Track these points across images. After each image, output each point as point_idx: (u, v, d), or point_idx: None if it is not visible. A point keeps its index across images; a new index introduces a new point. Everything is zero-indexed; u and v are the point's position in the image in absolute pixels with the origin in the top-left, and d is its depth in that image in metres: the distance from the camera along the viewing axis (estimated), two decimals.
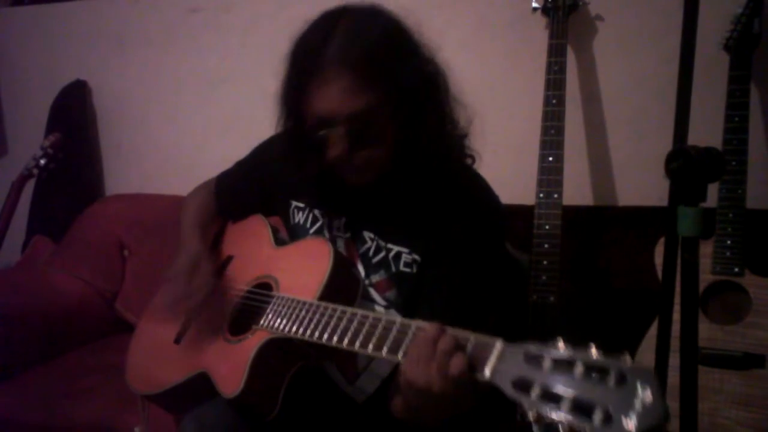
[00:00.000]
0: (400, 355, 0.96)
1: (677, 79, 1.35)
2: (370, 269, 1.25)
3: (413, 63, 1.12)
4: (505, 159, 1.90)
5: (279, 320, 1.15)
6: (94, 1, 2.61)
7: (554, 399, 0.74)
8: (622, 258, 1.85)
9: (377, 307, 1.24)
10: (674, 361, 1.26)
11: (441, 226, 1.18)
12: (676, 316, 1.23)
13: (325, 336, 1.06)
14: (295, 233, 1.35)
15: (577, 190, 1.96)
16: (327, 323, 1.07)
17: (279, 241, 1.37)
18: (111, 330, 2.33)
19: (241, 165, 1.50)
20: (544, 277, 1.68)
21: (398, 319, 1.00)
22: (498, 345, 0.85)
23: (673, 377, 1.27)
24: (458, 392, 0.88)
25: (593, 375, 0.74)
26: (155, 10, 2.52)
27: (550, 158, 1.73)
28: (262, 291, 1.25)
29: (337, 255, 1.19)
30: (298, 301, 1.14)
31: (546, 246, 1.69)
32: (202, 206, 1.50)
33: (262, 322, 1.18)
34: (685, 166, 1.08)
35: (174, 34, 2.51)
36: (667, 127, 1.40)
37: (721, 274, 1.61)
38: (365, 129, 1.10)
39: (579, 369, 0.75)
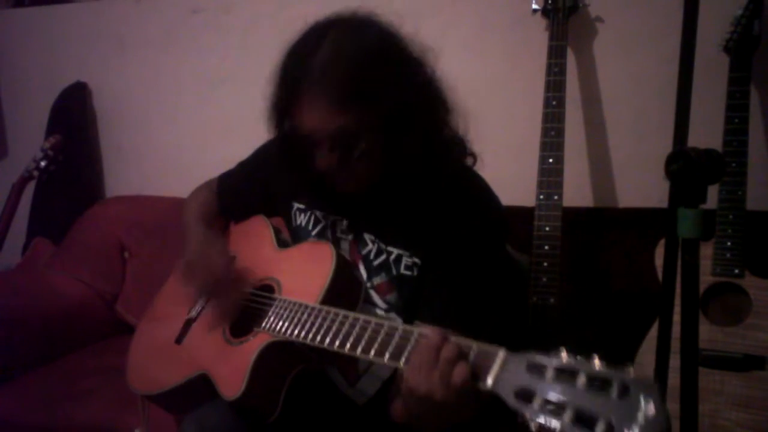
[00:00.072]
0: (402, 362, 0.95)
1: (677, 81, 1.35)
2: (371, 271, 1.25)
3: (401, 78, 1.09)
4: (505, 160, 1.90)
5: (281, 323, 1.15)
6: (94, 2, 2.61)
7: (556, 410, 0.74)
8: (622, 259, 1.85)
9: (378, 310, 1.24)
10: (674, 362, 1.25)
11: (441, 229, 1.18)
12: (677, 317, 1.23)
13: (327, 340, 1.06)
14: (298, 235, 1.35)
15: (577, 192, 1.96)
16: (329, 327, 1.07)
17: (281, 243, 1.37)
18: (111, 332, 2.33)
19: (243, 165, 1.50)
20: (544, 279, 1.68)
21: (401, 325, 1.00)
22: (501, 354, 0.85)
23: (674, 379, 1.27)
24: (460, 401, 0.87)
25: (596, 386, 0.74)
26: (155, 11, 2.52)
27: (550, 160, 1.73)
28: (265, 293, 1.25)
29: (340, 258, 1.19)
30: (300, 305, 1.14)
31: (546, 248, 1.69)
32: (204, 205, 1.50)
33: (263, 324, 1.18)
34: (685, 167, 1.08)
35: (174, 35, 2.51)
36: (667, 128, 1.40)
37: (721, 275, 1.61)
38: (350, 145, 1.11)
39: (582, 379, 0.75)
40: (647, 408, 0.69)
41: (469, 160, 1.27)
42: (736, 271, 1.60)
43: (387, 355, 0.97)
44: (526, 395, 0.78)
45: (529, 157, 1.79)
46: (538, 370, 0.79)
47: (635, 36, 1.92)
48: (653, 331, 1.61)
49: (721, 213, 1.62)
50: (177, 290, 1.49)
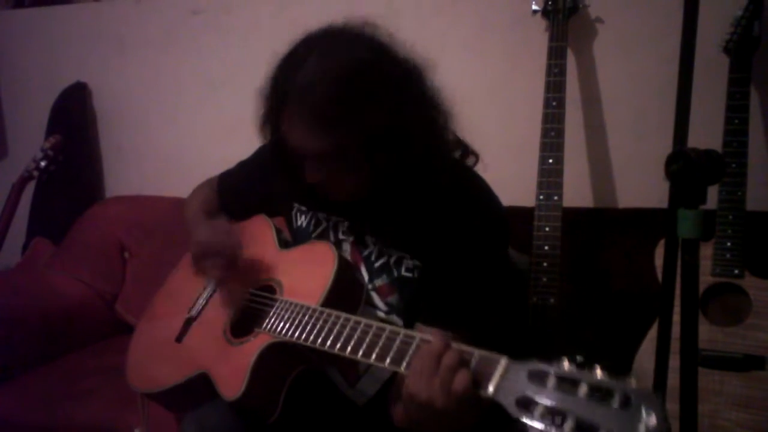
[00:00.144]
0: (403, 367, 0.95)
1: (677, 82, 1.35)
2: (373, 273, 1.25)
3: (386, 97, 1.07)
4: (505, 161, 1.90)
5: (282, 324, 1.15)
6: (94, 3, 2.61)
7: (557, 419, 0.74)
8: (622, 260, 1.85)
9: (379, 312, 1.24)
10: (674, 362, 1.26)
11: (442, 232, 1.17)
12: (676, 317, 1.23)
13: (328, 343, 1.06)
14: (298, 237, 1.35)
15: (577, 192, 1.96)
16: (330, 330, 1.07)
17: (283, 243, 1.37)
18: (111, 332, 2.33)
19: (243, 165, 1.50)
20: (544, 279, 1.68)
21: (402, 329, 1.00)
22: (502, 361, 0.85)
23: (673, 379, 1.27)
24: (461, 408, 0.87)
25: (597, 395, 0.74)
26: (156, 11, 2.52)
27: (550, 160, 1.73)
28: (266, 294, 1.25)
29: (342, 260, 1.19)
30: (302, 306, 1.14)
31: (546, 248, 1.70)
32: (205, 203, 1.51)
33: (264, 325, 1.18)
34: (685, 168, 1.08)
35: (174, 36, 2.51)
36: (667, 129, 1.40)
37: (721, 275, 1.62)
38: (334, 163, 1.11)
39: (583, 389, 0.75)
40: (648, 419, 0.69)
41: (470, 159, 1.26)
42: (736, 271, 1.60)
43: (388, 360, 0.97)
44: (527, 403, 0.78)
45: (529, 157, 1.79)
46: (539, 378, 0.79)
47: (635, 37, 1.92)
48: (653, 332, 1.61)
49: (720, 213, 1.62)
50: (177, 288, 1.50)
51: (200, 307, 1.38)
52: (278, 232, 1.40)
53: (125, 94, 2.63)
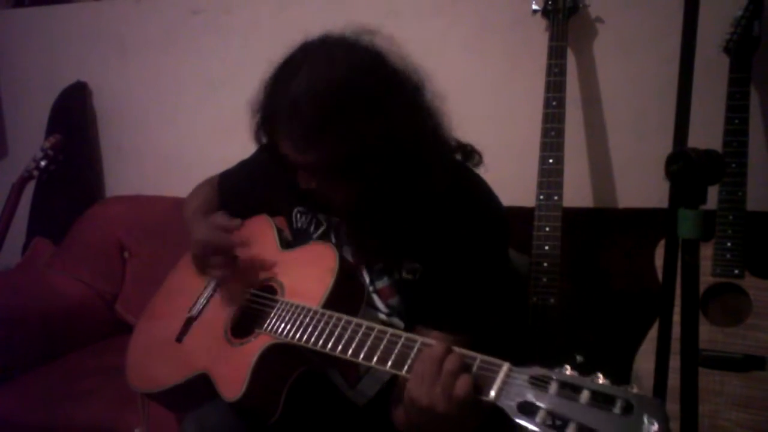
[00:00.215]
0: (404, 371, 0.95)
1: (677, 82, 1.35)
2: (374, 275, 1.25)
3: (376, 112, 1.05)
4: (505, 161, 1.90)
5: (282, 325, 1.15)
6: (94, 2, 2.61)
7: (559, 425, 0.74)
8: (622, 260, 1.85)
9: (380, 314, 1.24)
10: (675, 363, 1.25)
11: (442, 234, 1.17)
12: (677, 317, 1.23)
13: (329, 345, 1.06)
14: (299, 238, 1.35)
15: (577, 192, 1.96)
16: (331, 332, 1.07)
17: (284, 243, 1.36)
18: (111, 331, 2.33)
19: (244, 165, 1.50)
20: (544, 279, 1.68)
21: (404, 333, 1.00)
22: (504, 367, 0.86)
23: (674, 379, 1.27)
24: (462, 413, 0.87)
25: (599, 402, 0.74)
26: (156, 11, 2.52)
27: (551, 160, 1.73)
28: (267, 294, 1.25)
29: (343, 262, 1.19)
30: (303, 308, 1.14)
31: (546, 248, 1.70)
32: (205, 201, 1.50)
33: (265, 326, 1.18)
34: (686, 168, 1.08)
35: (175, 36, 2.51)
36: (667, 129, 1.40)
37: (721, 276, 1.62)
38: (323, 174, 1.11)
39: (585, 395, 0.75)
40: (650, 427, 0.69)
41: (475, 159, 1.26)
42: (736, 271, 1.60)
43: (389, 363, 0.97)
44: (528, 408, 0.78)
45: (529, 157, 1.79)
46: (541, 383, 0.79)
47: (635, 37, 1.92)
48: (653, 332, 1.61)
49: (721, 214, 1.62)
50: (177, 288, 1.50)
51: (201, 307, 1.38)
52: (279, 231, 1.39)
53: (125, 94, 2.63)
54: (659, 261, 1.61)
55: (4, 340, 2.04)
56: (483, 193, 1.24)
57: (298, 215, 1.35)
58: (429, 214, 1.16)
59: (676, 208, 1.12)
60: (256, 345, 1.17)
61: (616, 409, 0.72)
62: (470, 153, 1.26)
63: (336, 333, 1.06)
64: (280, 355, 1.15)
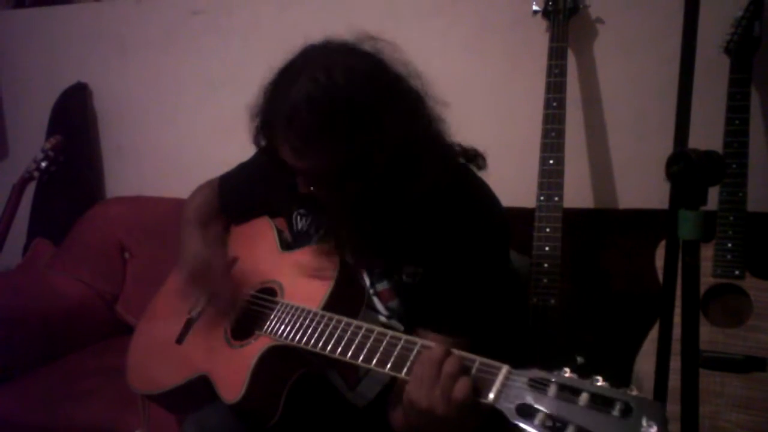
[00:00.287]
0: (403, 373, 0.96)
1: (678, 82, 1.35)
2: (374, 278, 1.25)
3: (376, 123, 1.05)
4: (505, 162, 1.90)
5: (282, 327, 1.15)
6: (95, 3, 2.61)
7: (558, 427, 0.74)
8: (623, 261, 1.85)
9: (380, 317, 1.24)
10: (675, 364, 1.25)
11: (442, 237, 1.17)
12: (677, 319, 1.23)
13: (329, 347, 1.06)
14: (299, 240, 1.35)
15: (577, 193, 1.96)
16: (331, 334, 1.07)
17: (284, 245, 1.36)
18: (111, 332, 2.33)
19: (244, 167, 1.50)
20: (544, 280, 1.68)
21: (403, 335, 1.00)
22: (503, 369, 0.86)
23: (674, 380, 1.27)
24: (461, 415, 0.88)
25: (598, 404, 0.74)
26: (156, 12, 2.52)
27: (551, 161, 1.73)
28: (267, 296, 1.25)
29: (343, 264, 1.19)
30: (303, 309, 1.14)
31: (547, 249, 1.69)
32: (205, 204, 1.50)
33: (265, 328, 1.18)
34: (686, 169, 1.08)
35: (175, 37, 2.51)
36: (667, 129, 1.40)
37: (721, 277, 1.61)
38: (322, 180, 1.11)
39: (584, 397, 0.75)
40: (649, 429, 0.69)
41: (479, 162, 1.26)
42: (737, 272, 1.60)
43: (389, 365, 0.98)
44: (527, 411, 0.78)
45: (530, 158, 1.79)
46: (540, 386, 0.79)
47: (636, 37, 1.92)
48: (654, 333, 1.61)
49: (721, 214, 1.62)
50: (177, 289, 1.49)
51: (201, 308, 1.38)
52: (280, 233, 1.39)
53: (126, 95, 2.63)
54: (660, 262, 1.61)
55: (4, 341, 2.04)
56: (483, 195, 1.24)
57: (299, 217, 1.35)
58: (429, 217, 1.16)
59: (676, 209, 1.12)
60: (256, 347, 1.17)
61: (615, 412, 0.72)
62: (474, 157, 1.26)
63: (336, 335, 1.06)
64: (280, 357, 1.15)
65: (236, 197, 1.49)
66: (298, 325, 1.12)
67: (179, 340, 1.36)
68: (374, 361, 0.99)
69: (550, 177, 1.72)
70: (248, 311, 1.27)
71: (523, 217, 1.75)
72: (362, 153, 1.05)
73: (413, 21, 2.15)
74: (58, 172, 2.48)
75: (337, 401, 1.25)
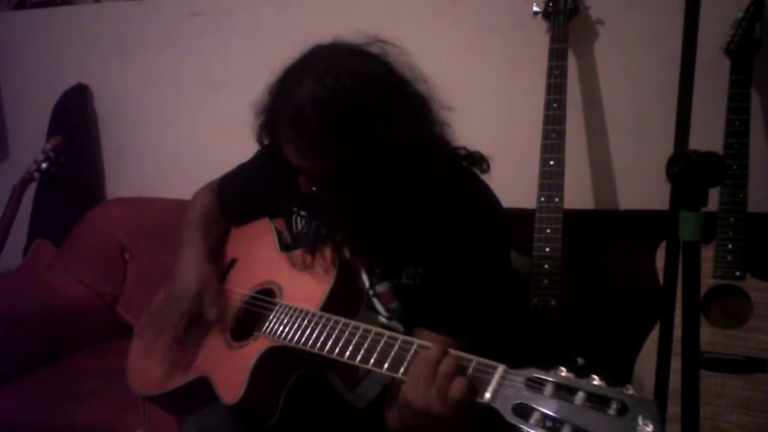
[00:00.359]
0: (401, 373, 0.96)
1: (678, 83, 1.35)
2: (374, 279, 1.25)
3: (380, 126, 1.05)
4: (506, 162, 1.89)
5: (281, 328, 1.15)
6: (95, 4, 2.61)
7: (554, 426, 0.74)
8: (623, 262, 1.85)
9: (381, 318, 1.24)
10: (676, 364, 1.25)
11: (443, 239, 1.17)
12: (678, 320, 1.23)
13: (327, 347, 1.06)
14: (299, 241, 1.35)
15: (578, 194, 1.96)
16: (329, 335, 1.07)
17: (284, 246, 1.36)
18: (112, 333, 2.33)
19: (243, 168, 1.49)
20: (545, 281, 1.68)
21: (401, 335, 1.00)
22: (500, 369, 0.86)
23: (675, 381, 1.27)
24: (457, 415, 0.88)
25: (594, 403, 0.74)
26: (156, 13, 2.52)
27: (551, 162, 1.73)
28: (265, 297, 1.25)
29: (342, 265, 1.19)
30: (301, 310, 1.14)
31: (547, 250, 1.69)
32: (205, 207, 1.50)
33: (264, 328, 1.18)
34: (687, 170, 1.08)
35: (175, 38, 2.51)
36: (668, 131, 1.40)
37: (722, 278, 1.61)
38: (324, 180, 1.11)
39: (580, 396, 0.75)
40: (645, 427, 0.69)
41: (483, 166, 1.26)
42: (737, 273, 1.60)
43: (386, 365, 0.98)
44: (524, 411, 0.78)
45: (530, 159, 1.79)
46: (536, 385, 0.79)
47: (636, 38, 1.92)
48: (654, 334, 1.61)
49: (722, 215, 1.62)
50: (165, 289, 1.49)
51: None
52: (279, 234, 1.39)
53: (126, 96, 2.63)
54: (660, 263, 1.61)
55: (5, 342, 2.04)
56: (483, 196, 1.23)
57: (298, 218, 1.35)
58: (429, 217, 1.16)
59: (677, 210, 1.12)
60: (255, 348, 1.17)
61: (611, 410, 0.72)
62: (477, 160, 1.26)
63: (333, 335, 1.06)
64: (279, 357, 1.15)
65: (236, 198, 1.49)
66: (296, 325, 1.13)
67: (179, 342, 1.36)
68: (371, 362, 0.99)
69: (551, 178, 1.72)
70: (247, 312, 1.27)
71: (523, 218, 1.75)
72: (365, 155, 1.05)
73: (413, 22, 2.15)
74: (58, 173, 2.48)
75: (336, 402, 1.25)
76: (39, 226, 2.65)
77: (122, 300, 2.39)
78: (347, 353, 1.03)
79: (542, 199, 1.72)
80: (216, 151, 2.04)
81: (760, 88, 1.78)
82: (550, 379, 0.79)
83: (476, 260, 1.17)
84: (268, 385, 1.15)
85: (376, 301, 1.24)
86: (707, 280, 1.61)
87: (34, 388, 2.00)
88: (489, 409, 0.83)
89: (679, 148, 1.33)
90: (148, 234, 2.41)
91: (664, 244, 1.58)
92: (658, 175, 1.18)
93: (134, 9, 2.54)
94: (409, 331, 1.16)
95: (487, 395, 0.84)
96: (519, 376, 0.82)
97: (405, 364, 0.96)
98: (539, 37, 1.93)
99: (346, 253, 1.26)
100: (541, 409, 0.76)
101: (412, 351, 0.96)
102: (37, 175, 2.44)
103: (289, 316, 1.15)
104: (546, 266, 1.69)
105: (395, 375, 0.96)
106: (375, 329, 1.03)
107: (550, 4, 1.84)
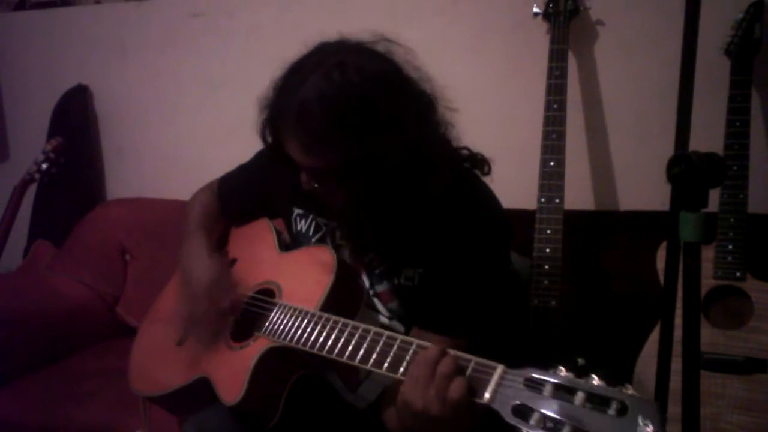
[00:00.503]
0: (400, 373, 0.95)
1: (678, 84, 1.35)
2: (374, 279, 1.25)
3: (384, 125, 1.04)
4: (506, 163, 1.89)
5: (281, 328, 1.15)
6: (95, 5, 2.61)
7: (554, 427, 0.74)
8: (624, 262, 1.85)
9: (381, 318, 1.24)
10: (676, 365, 1.25)
11: (443, 239, 1.17)
12: (678, 320, 1.23)
13: (326, 348, 1.06)
14: (298, 241, 1.35)
15: (578, 195, 1.96)
16: (328, 335, 1.07)
17: (283, 246, 1.36)
18: (112, 334, 2.33)
19: (243, 168, 1.50)
20: (545, 282, 1.68)
21: (400, 335, 1.00)
22: (499, 369, 0.85)
23: (675, 382, 1.27)
24: (456, 416, 0.87)
25: (594, 404, 0.74)
26: (157, 14, 2.52)
27: (552, 163, 1.73)
28: (265, 297, 1.25)
29: (341, 264, 1.19)
30: (301, 310, 1.14)
31: (547, 250, 1.69)
32: (206, 207, 1.50)
33: (264, 329, 1.18)
34: (687, 171, 1.08)
35: (175, 39, 2.51)
36: (668, 131, 1.40)
37: (722, 278, 1.61)
38: (327, 177, 1.11)
39: (580, 397, 0.75)
40: (645, 428, 0.69)
41: (484, 168, 1.26)
42: (738, 274, 1.60)
43: (385, 366, 0.97)
44: (523, 411, 0.78)
45: (531, 160, 1.79)
46: (536, 386, 0.79)
47: (636, 39, 1.92)
48: (655, 335, 1.61)
49: (722, 216, 1.62)
50: (179, 292, 1.49)
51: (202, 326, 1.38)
52: (278, 234, 1.39)
53: (126, 97, 2.63)
54: (660, 264, 1.61)
55: (5, 342, 2.04)
56: (484, 197, 1.23)
57: (298, 218, 1.35)
58: (430, 217, 1.16)
59: (677, 211, 1.12)
60: (255, 348, 1.17)
61: (611, 411, 0.72)
62: (479, 162, 1.26)
63: (333, 335, 1.06)
64: (279, 358, 1.15)
65: (236, 198, 1.49)
66: (296, 325, 1.12)
67: (180, 342, 1.36)
68: (371, 362, 0.99)
69: (551, 179, 1.72)
70: (247, 313, 1.27)
71: (523, 218, 1.75)
72: (369, 153, 1.05)
73: (413, 22, 2.15)
74: (58, 174, 2.48)
75: (337, 403, 1.25)
76: (39, 227, 2.65)
77: (123, 301, 2.40)
78: (346, 353, 1.03)
79: (542, 199, 1.72)
80: (216, 152, 2.04)
81: (760, 89, 1.78)
82: (550, 379, 0.79)
83: (477, 261, 1.17)
84: (269, 386, 1.15)
85: (376, 301, 1.24)
86: (708, 281, 1.61)
87: (34, 388, 2.00)
88: (488, 410, 0.83)
89: (680, 148, 1.33)
90: (149, 234, 2.41)
91: (664, 244, 1.58)
92: (658, 175, 1.18)
93: (134, 10, 2.54)
94: (408, 332, 1.16)
95: (487, 395, 0.84)
96: (518, 377, 0.82)
97: (404, 364, 0.95)
98: (539, 38, 1.93)
99: (346, 252, 1.26)
100: (540, 409, 0.76)
101: (411, 351, 0.96)
102: (37, 175, 2.44)
103: (288, 316, 1.15)
104: (546, 267, 1.69)
105: (394, 375, 0.96)
106: (374, 329, 1.03)
107: (551, 5, 1.84)
